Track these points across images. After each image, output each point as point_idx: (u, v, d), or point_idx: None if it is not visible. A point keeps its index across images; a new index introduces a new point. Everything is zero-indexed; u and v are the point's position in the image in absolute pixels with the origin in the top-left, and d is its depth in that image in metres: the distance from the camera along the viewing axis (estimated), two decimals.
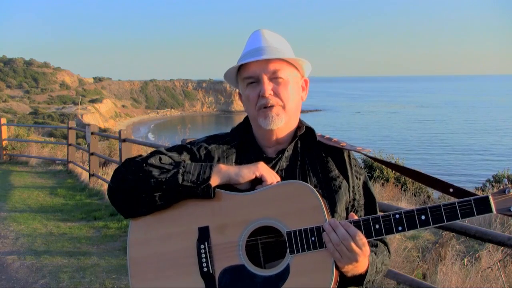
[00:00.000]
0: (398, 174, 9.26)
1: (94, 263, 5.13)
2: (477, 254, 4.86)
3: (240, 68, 1.47)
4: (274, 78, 1.42)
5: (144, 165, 1.38)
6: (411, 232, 6.23)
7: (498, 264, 4.35)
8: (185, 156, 1.49)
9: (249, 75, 1.43)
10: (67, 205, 7.85)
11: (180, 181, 1.34)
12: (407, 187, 10.22)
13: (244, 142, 1.53)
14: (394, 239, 5.10)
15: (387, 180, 10.56)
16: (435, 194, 9.89)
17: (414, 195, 9.74)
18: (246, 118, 1.57)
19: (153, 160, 1.39)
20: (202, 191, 1.34)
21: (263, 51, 1.42)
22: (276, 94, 1.42)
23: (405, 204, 8.20)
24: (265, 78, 1.41)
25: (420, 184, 10.30)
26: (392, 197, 9.04)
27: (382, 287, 4.03)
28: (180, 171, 1.35)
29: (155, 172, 1.36)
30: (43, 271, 4.89)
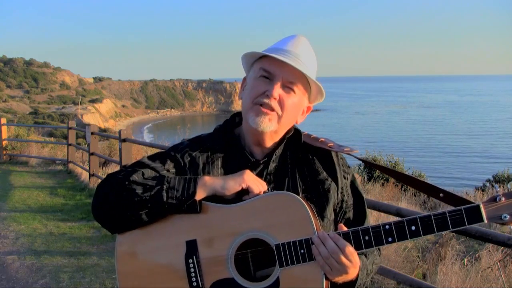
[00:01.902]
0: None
1: (94, 263, 5.13)
2: (477, 254, 4.87)
3: (263, 56, 1.41)
4: (287, 86, 1.38)
5: (126, 183, 1.33)
6: None
7: (498, 264, 4.35)
8: (169, 165, 1.44)
9: (267, 69, 1.38)
10: (67, 205, 7.84)
11: (165, 199, 1.30)
12: (407, 187, 10.20)
13: (230, 144, 1.47)
14: None
15: (387, 180, 10.55)
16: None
17: (414, 195, 9.72)
18: (233, 116, 1.54)
19: (136, 177, 1.35)
20: (187, 207, 1.32)
21: (294, 57, 1.37)
22: (281, 101, 1.37)
23: (405, 204, 8.20)
24: (279, 83, 1.37)
25: None
26: (392, 197, 9.04)
27: (382, 287, 4.03)
28: (164, 187, 1.31)
29: (139, 190, 1.31)
30: (43, 271, 4.89)
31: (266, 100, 1.36)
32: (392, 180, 10.57)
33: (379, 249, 1.50)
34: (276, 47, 1.42)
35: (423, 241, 5.48)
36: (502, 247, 4.42)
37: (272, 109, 1.37)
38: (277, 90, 1.36)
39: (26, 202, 8.05)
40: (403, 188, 10.17)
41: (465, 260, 4.64)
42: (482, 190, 10.28)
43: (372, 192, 8.83)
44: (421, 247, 5.26)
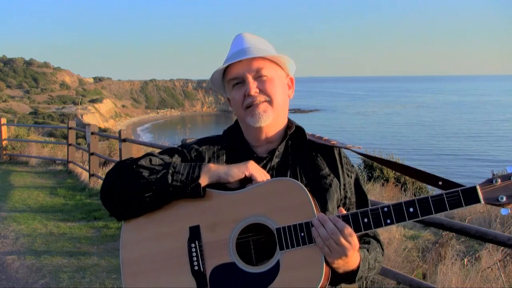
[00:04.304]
0: (399, 174, 9.24)
1: (94, 263, 5.14)
2: (477, 254, 4.87)
3: (225, 71, 1.49)
4: (258, 76, 1.44)
5: (134, 166, 1.39)
6: (411, 232, 6.22)
7: (498, 264, 4.35)
8: (176, 159, 1.50)
9: (233, 76, 1.46)
10: (67, 205, 7.85)
11: (170, 181, 1.35)
12: (407, 187, 10.22)
13: (235, 143, 1.54)
14: (394, 239, 5.10)
15: (387, 180, 10.56)
16: (436, 193, 9.85)
17: (414, 195, 9.73)
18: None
19: (143, 162, 1.41)
20: (191, 190, 1.35)
21: (246, 51, 1.45)
22: (262, 91, 1.44)
23: None
24: (250, 78, 1.43)
25: (420, 183, 10.29)
26: (392, 197, 9.05)
27: (382, 287, 4.03)
28: (170, 171, 1.36)
29: (145, 173, 1.37)
30: (43, 271, 4.89)
31: (251, 99, 1.44)
32: (392, 180, 10.58)
33: (382, 249, 1.53)
34: (228, 56, 1.50)
35: (423, 241, 5.49)
36: (502, 247, 4.42)
37: (260, 101, 1.44)
38: (253, 85, 1.43)
39: (26, 202, 8.06)
40: (403, 188, 10.17)
41: (465, 260, 4.64)
42: None
43: (372, 192, 8.84)
44: (421, 247, 5.26)
